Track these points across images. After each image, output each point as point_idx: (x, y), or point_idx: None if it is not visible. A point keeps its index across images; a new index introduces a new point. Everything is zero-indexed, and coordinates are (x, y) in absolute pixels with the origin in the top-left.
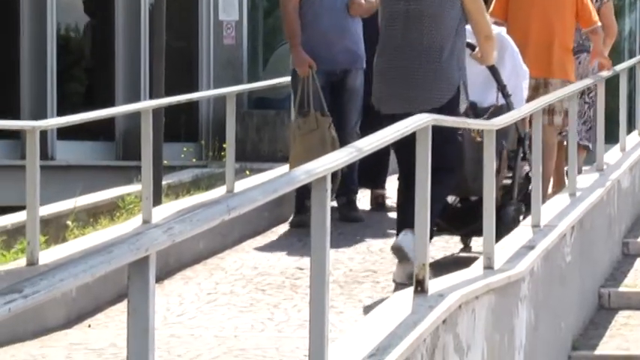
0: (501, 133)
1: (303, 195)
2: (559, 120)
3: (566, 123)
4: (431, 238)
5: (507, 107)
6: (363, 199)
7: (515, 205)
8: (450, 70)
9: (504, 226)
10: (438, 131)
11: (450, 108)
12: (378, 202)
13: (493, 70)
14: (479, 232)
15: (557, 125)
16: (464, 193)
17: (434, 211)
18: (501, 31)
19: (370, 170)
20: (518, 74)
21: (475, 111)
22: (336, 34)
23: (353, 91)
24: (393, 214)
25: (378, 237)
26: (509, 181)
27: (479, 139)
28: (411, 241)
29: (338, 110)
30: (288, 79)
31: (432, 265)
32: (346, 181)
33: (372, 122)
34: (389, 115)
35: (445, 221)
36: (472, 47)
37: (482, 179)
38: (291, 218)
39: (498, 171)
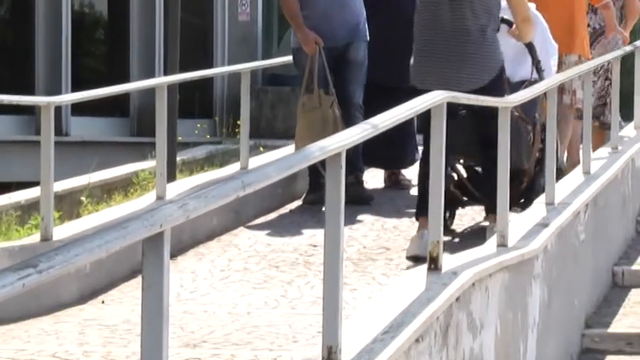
0: (533, 107)
1: (316, 172)
2: (567, 99)
3: (575, 102)
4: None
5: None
6: (374, 177)
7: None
8: (493, 49)
9: (534, 196)
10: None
11: (495, 87)
12: (392, 180)
13: (530, 46)
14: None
15: (566, 104)
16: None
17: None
18: (532, 7)
19: (385, 150)
20: (547, 51)
21: (509, 85)
22: (335, 8)
23: (356, 64)
24: (408, 192)
25: (392, 214)
26: (537, 154)
27: (516, 113)
28: None
29: (341, 84)
30: None
31: (454, 234)
32: (353, 161)
33: (376, 97)
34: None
35: (479, 191)
36: (509, 23)
37: (520, 152)
38: (304, 195)
39: (533, 143)
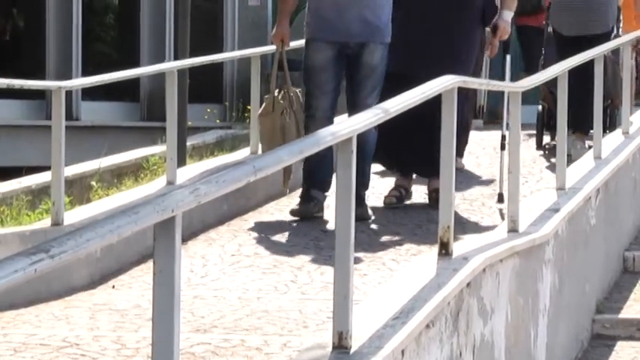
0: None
1: (308, 182)
2: None
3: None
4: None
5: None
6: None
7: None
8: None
9: (617, 119)
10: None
11: (608, 37)
12: (434, 198)
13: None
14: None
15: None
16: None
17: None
18: None
19: (424, 154)
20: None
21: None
22: (349, 2)
23: (370, 68)
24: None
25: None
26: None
27: (612, 56)
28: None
29: (352, 87)
30: None
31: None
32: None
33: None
34: (571, 38)
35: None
36: None
37: (616, 83)
38: (293, 206)
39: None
